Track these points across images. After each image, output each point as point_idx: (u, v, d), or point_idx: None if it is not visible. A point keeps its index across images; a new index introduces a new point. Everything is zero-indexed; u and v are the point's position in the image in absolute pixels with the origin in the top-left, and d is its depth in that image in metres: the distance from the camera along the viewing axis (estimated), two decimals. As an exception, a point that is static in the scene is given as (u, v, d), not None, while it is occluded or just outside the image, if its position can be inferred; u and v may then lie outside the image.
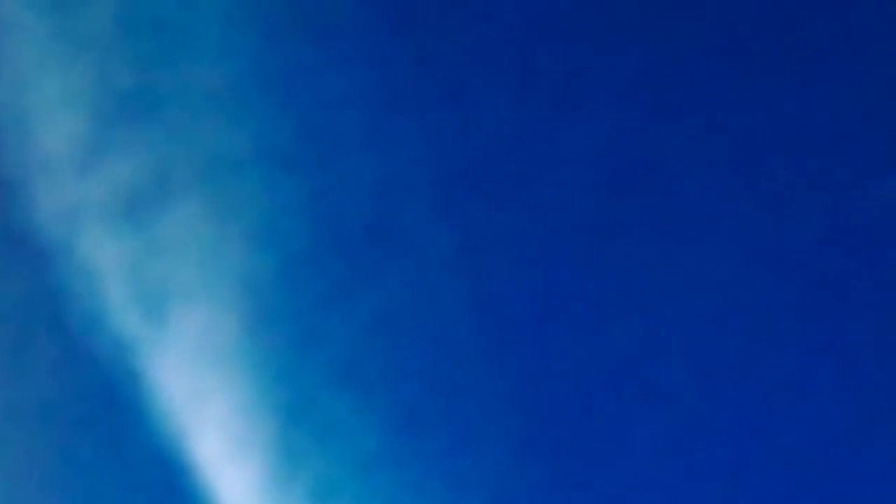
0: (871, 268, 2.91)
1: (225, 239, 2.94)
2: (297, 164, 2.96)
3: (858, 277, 2.91)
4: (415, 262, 2.94)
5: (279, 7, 2.98)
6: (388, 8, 2.98)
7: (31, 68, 2.96)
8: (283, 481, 2.89)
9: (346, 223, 2.95)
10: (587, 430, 2.92)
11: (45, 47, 2.95)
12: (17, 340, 2.98)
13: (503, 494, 2.89)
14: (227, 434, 2.90)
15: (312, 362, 2.93)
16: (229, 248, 2.95)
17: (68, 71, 2.96)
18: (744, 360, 2.90)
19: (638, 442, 2.90)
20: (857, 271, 2.91)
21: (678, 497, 2.87)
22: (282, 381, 2.92)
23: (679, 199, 2.94)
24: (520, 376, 2.93)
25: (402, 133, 2.96)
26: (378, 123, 2.96)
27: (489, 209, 2.95)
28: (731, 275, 2.92)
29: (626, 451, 2.89)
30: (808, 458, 2.86)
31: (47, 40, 2.96)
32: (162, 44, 2.98)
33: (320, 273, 2.95)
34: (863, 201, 2.91)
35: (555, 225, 2.95)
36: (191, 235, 2.95)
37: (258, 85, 2.96)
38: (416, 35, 2.98)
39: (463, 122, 2.96)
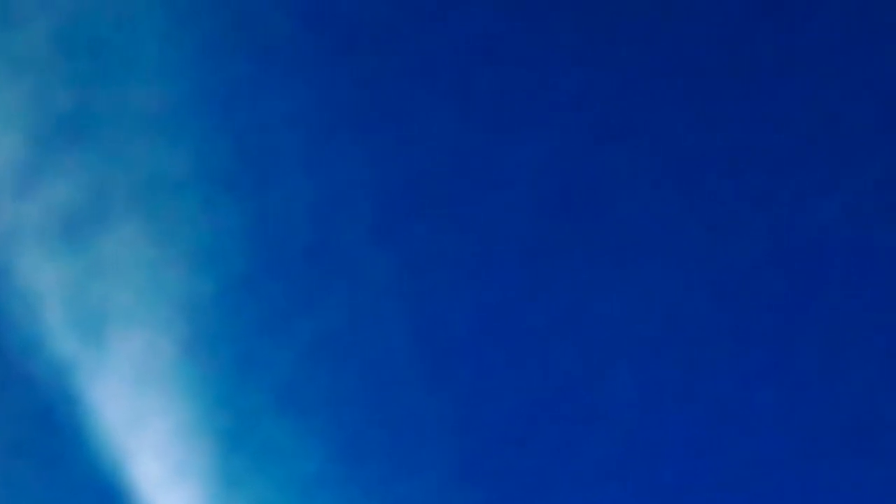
0: (812, 289, 2.90)
1: (164, 261, 2.92)
2: (236, 185, 2.93)
3: (800, 299, 2.90)
4: (355, 284, 2.92)
5: (218, 27, 2.95)
6: (329, 29, 2.95)
7: (-34, 89, 2.92)
8: (223, 506, 2.88)
9: (287, 245, 2.93)
10: (528, 453, 2.91)
11: (-21, 68, 2.92)
12: (-46, 364, 2.96)
13: (444, 519, 2.89)
14: (167, 458, 2.88)
15: (252, 386, 2.91)
16: (168, 270, 2.92)
17: (4, 91, 2.92)
18: (685, 383, 2.89)
19: (578, 466, 2.89)
20: (799, 293, 2.90)
21: (619, 522, 2.87)
22: (221, 404, 2.90)
23: (620, 221, 2.93)
24: (461, 399, 2.91)
25: (342, 154, 2.94)
26: (318, 145, 2.94)
27: (430, 231, 2.93)
28: (672, 297, 2.91)
29: (566, 475, 2.89)
30: (748, 481, 2.86)
31: (-18, 61, 2.92)
32: (99, 64, 2.94)
33: (260, 296, 2.92)
34: (804, 223, 2.90)
35: (496, 247, 2.93)
36: (129, 258, 2.92)
37: (197, 106, 2.93)
38: (356, 56, 2.95)
39: (403, 143, 2.94)
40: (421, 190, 2.93)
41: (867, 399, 2.87)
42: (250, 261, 2.92)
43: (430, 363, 2.91)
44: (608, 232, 2.92)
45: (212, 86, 2.94)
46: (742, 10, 2.93)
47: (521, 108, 2.93)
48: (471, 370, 2.91)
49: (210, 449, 2.89)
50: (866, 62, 2.91)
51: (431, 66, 2.94)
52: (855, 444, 2.86)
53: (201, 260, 2.92)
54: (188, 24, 2.94)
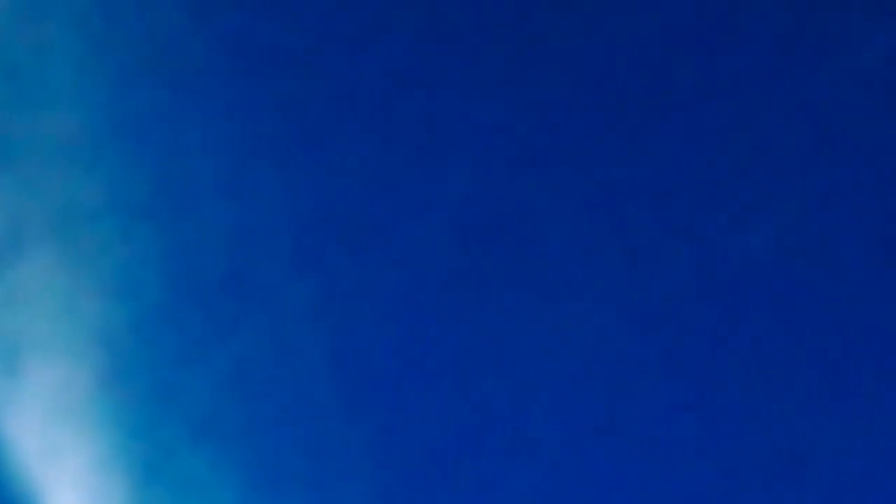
0: (737, 322, 2.87)
1: (79, 291, 2.88)
2: (152, 214, 2.90)
3: (725, 332, 2.88)
4: (274, 314, 2.89)
5: (134, 53, 2.90)
6: (246, 54, 2.91)
7: None
8: (140, 539, 2.85)
9: (204, 275, 2.89)
10: (449, 484, 2.88)
11: None
12: None
13: (362, 553, 2.86)
14: (82, 490, 2.85)
15: (170, 417, 2.88)
16: (83, 300, 2.88)
17: (-84, 119, 2.89)
18: (608, 416, 2.87)
19: (500, 498, 2.86)
20: (724, 326, 2.87)
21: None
22: (138, 436, 2.87)
23: (542, 251, 2.89)
24: (381, 431, 2.88)
25: (260, 183, 2.90)
26: (235, 172, 2.90)
27: (349, 260, 2.90)
28: (595, 328, 2.88)
29: (487, 508, 2.87)
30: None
31: None
32: (13, 91, 2.90)
33: (177, 326, 2.89)
34: (729, 254, 2.87)
35: (416, 277, 2.90)
36: (44, 287, 2.88)
37: (112, 133, 2.89)
38: (274, 83, 2.91)
39: (323, 171, 2.90)
40: (340, 218, 2.90)
41: (792, 432, 2.84)
42: (167, 290, 2.89)
43: (350, 394, 2.88)
44: (530, 262, 2.89)
45: (128, 113, 2.90)
46: (665, 39, 2.90)
47: (442, 137, 2.90)
48: (391, 401, 2.88)
49: (126, 480, 2.85)
50: (793, 91, 2.88)
51: (351, 94, 2.91)
52: (780, 478, 2.83)
53: (117, 289, 2.88)
54: (103, 51, 2.90)
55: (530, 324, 2.89)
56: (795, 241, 2.88)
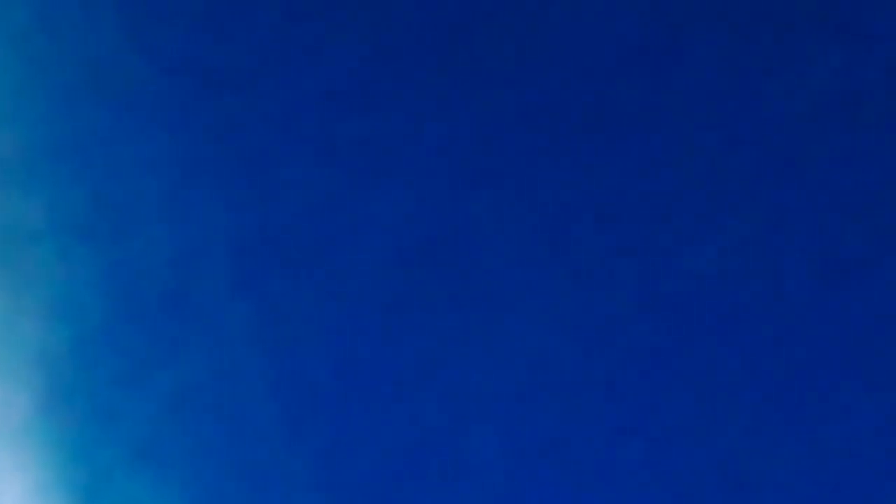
0: (682, 342, 2.84)
1: (18, 312, 2.85)
2: (92, 234, 2.87)
3: (670, 352, 2.84)
4: (214, 335, 2.86)
5: (73, 73, 2.87)
6: (186, 74, 2.88)
7: None
8: (79, 563, 2.82)
9: (144, 296, 2.87)
10: (392, 508, 2.86)
11: None
12: None
13: (301, 578, 2.83)
14: (22, 514, 2.83)
15: (110, 440, 2.85)
16: (22, 321, 2.86)
17: None
18: (550, 438, 2.84)
19: (442, 522, 2.84)
20: (669, 346, 2.84)
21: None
22: (78, 459, 2.84)
23: (485, 270, 2.86)
24: (322, 453, 2.85)
25: (200, 202, 2.87)
26: (175, 192, 2.87)
27: (291, 281, 2.87)
28: (538, 349, 2.85)
29: (429, 532, 2.83)
30: (612, 540, 2.81)
31: None
32: (-49, 110, 2.88)
33: (117, 347, 2.86)
34: (674, 273, 2.84)
35: (358, 297, 2.87)
36: (-17, 309, 2.86)
37: (52, 153, 2.87)
38: (214, 102, 2.88)
39: (262, 191, 2.87)
40: (281, 239, 2.87)
41: (737, 455, 2.81)
42: (107, 312, 2.86)
43: (292, 415, 2.85)
44: (472, 282, 2.86)
45: (67, 133, 2.87)
46: (611, 56, 2.86)
47: (381, 157, 2.87)
48: (332, 423, 2.85)
49: (66, 504, 2.83)
50: (739, 111, 2.85)
51: (291, 114, 2.88)
52: (724, 501, 2.80)
53: (57, 311, 2.85)
54: (43, 70, 2.87)
55: (472, 344, 2.86)
56: (739, 262, 2.84)
